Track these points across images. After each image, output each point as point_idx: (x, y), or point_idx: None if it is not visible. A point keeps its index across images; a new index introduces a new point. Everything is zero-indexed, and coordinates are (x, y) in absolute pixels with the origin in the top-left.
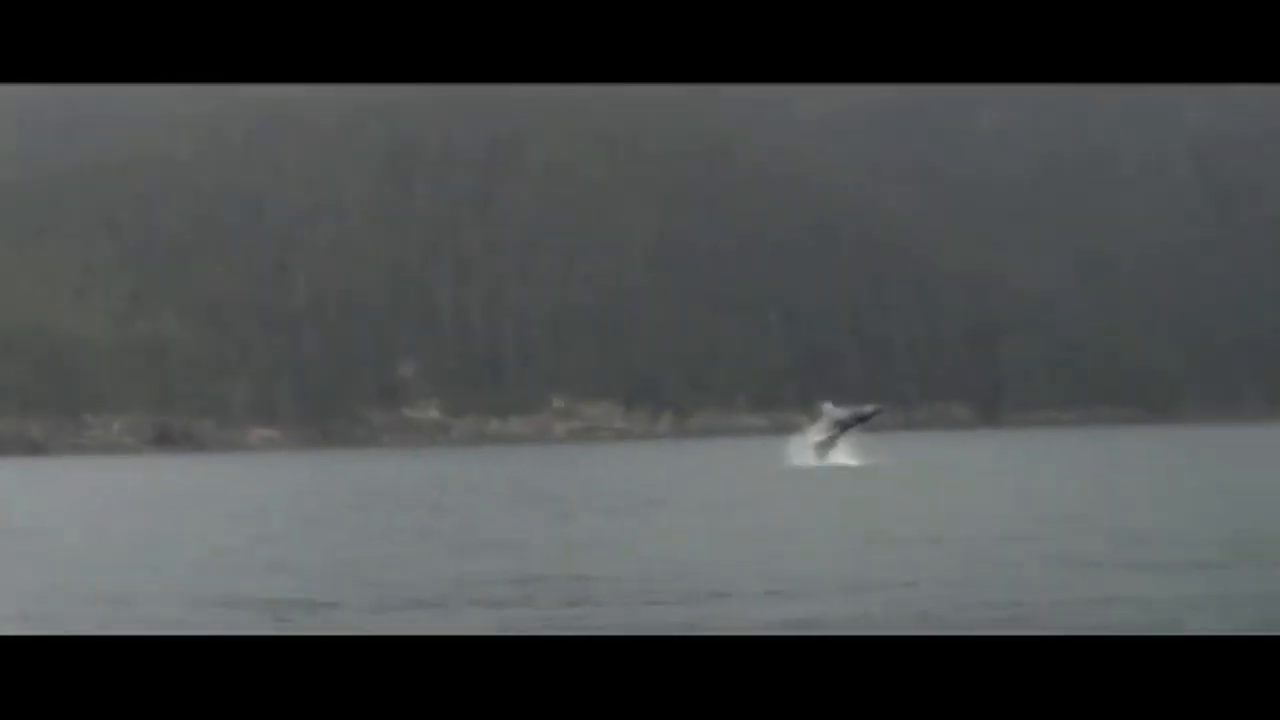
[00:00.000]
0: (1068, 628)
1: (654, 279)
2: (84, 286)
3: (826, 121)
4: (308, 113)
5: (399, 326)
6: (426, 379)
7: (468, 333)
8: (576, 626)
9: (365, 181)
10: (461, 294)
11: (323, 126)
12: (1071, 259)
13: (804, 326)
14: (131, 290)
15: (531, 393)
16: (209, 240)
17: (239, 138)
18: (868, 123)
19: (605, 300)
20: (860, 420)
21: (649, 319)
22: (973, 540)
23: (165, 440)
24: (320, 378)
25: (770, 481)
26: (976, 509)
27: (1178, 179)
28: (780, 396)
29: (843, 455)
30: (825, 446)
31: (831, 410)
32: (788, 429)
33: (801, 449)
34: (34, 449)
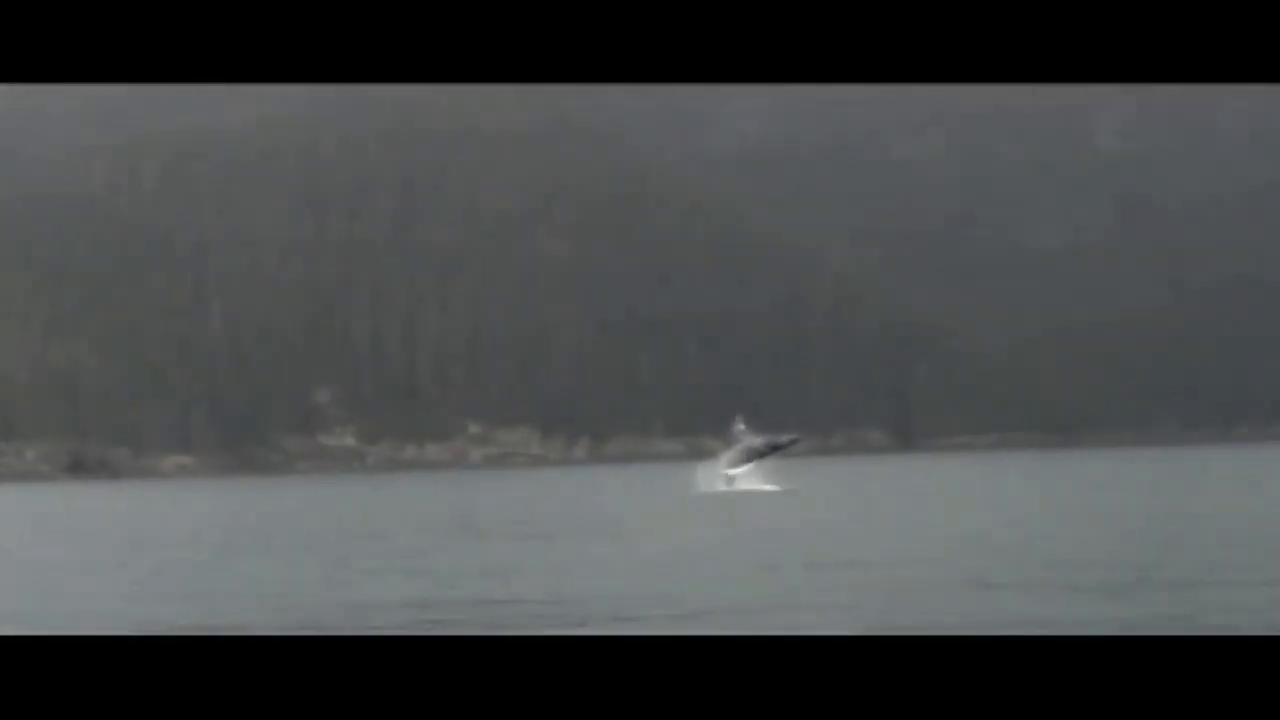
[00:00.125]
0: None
1: (569, 306)
2: None
3: (738, 147)
4: (221, 144)
5: (314, 354)
6: (342, 406)
7: (383, 360)
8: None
9: (279, 211)
10: (377, 321)
11: (236, 157)
12: (982, 284)
13: (720, 353)
14: (45, 320)
15: (447, 419)
16: (122, 270)
17: (153, 169)
18: (780, 148)
19: (521, 327)
20: (776, 449)
21: (565, 346)
22: (878, 564)
23: (80, 468)
24: (235, 405)
25: (681, 507)
26: (884, 533)
27: (1085, 201)
28: (696, 422)
29: (756, 481)
30: (738, 471)
31: (746, 435)
32: (705, 454)
33: (713, 475)
34: None
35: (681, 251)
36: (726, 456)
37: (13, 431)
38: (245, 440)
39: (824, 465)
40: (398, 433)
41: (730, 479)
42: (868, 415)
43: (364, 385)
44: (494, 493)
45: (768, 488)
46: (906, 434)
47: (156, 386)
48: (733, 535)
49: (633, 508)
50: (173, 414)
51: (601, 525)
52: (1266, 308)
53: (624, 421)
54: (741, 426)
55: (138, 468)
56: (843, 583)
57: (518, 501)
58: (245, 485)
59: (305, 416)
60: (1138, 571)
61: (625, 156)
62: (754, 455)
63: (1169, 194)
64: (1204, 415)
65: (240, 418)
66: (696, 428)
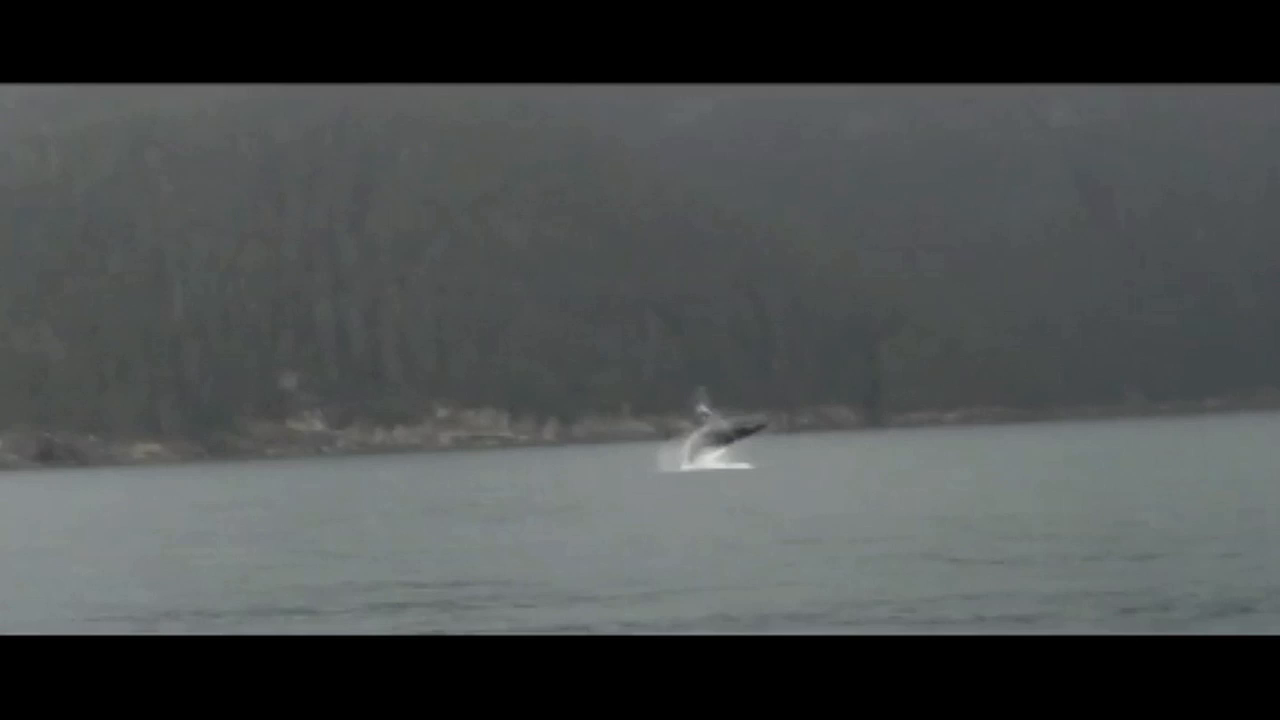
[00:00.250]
0: (938, 623)
1: (533, 286)
2: None
3: (697, 126)
4: (177, 130)
5: (279, 339)
6: (309, 391)
7: (349, 344)
8: (450, 630)
9: (236, 197)
10: (341, 305)
11: (193, 143)
12: (947, 260)
13: (685, 331)
14: (8, 308)
15: (415, 403)
16: (83, 258)
17: (110, 156)
18: (739, 127)
19: (486, 309)
20: (744, 434)
21: (530, 327)
22: (845, 540)
23: (49, 457)
24: (202, 392)
25: (648, 486)
26: (851, 509)
27: (1048, 178)
28: (664, 402)
29: (722, 459)
30: (703, 451)
31: (712, 417)
32: (673, 434)
33: (676, 457)
34: None
35: (644, 232)
36: (692, 440)
37: None
38: (213, 426)
39: (792, 443)
40: (365, 417)
41: (696, 457)
42: (835, 392)
43: (330, 370)
44: (465, 475)
45: (737, 466)
46: (874, 411)
47: (122, 374)
48: (700, 514)
49: (603, 488)
50: (140, 401)
51: (570, 505)
52: (1236, 281)
53: (590, 402)
54: (704, 408)
55: (107, 455)
56: (808, 559)
57: (489, 483)
58: (214, 471)
59: (272, 402)
60: (1100, 545)
61: (584, 138)
62: (721, 439)
63: (1135, 170)
64: (1171, 388)
65: (208, 404)
66: (664, 407)
